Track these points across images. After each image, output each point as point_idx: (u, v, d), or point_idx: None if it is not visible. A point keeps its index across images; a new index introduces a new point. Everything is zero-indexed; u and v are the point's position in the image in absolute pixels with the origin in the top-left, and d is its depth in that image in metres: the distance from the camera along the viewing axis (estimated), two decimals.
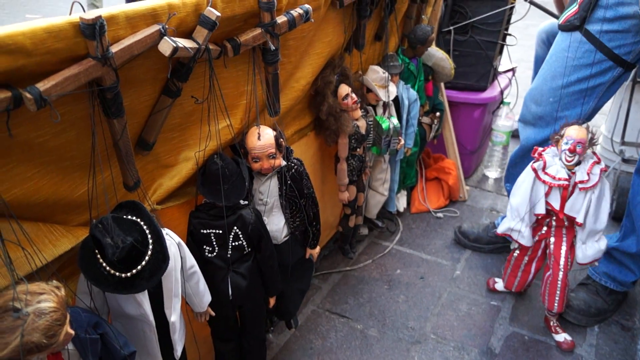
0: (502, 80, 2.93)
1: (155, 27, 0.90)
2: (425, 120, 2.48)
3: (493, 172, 3.09)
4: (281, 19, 1.22)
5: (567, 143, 1.60)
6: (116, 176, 1.04)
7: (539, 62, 2.86)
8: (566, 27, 1.78)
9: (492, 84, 2.84)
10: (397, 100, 2.12)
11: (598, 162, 1.64)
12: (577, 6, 1.73)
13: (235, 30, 1.15)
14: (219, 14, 0.99)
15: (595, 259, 1.75)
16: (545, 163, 1.68)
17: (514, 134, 3.20)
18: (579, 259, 1.76)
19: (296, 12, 1.26)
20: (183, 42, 0.94)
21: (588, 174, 1.62)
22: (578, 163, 1.64)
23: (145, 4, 0.90)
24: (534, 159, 1.72)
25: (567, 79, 1.80)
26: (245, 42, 1.15)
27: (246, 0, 1.11)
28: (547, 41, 2.80)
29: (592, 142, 1.63)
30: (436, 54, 2.32)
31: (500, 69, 3.02)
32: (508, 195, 2.16)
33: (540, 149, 1.73)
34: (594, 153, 1.67)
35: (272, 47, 1.23)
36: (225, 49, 1.12)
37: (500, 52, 2.87)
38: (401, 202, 2.60)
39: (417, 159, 2.59)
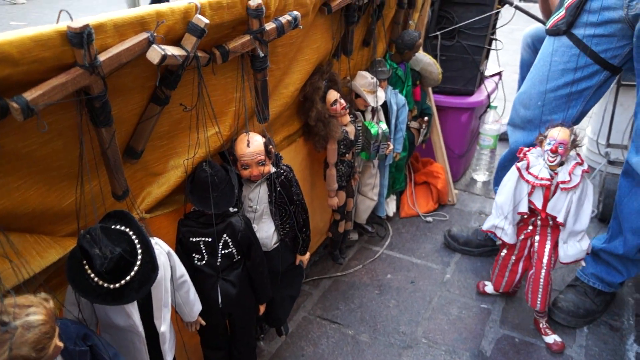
0: (489, 84, 2.95)
1: (143, 35, 0.89)
2: (414, 124, 2.49)
3: (481, 176, 3.11)
4: (270, 25, 1.22)
5: (549, 144, 1.62)
6: (104, 185, 1.03)
7: (524, 66, 2.89)
8: (553, 32, 1.81)
9: (479, 88, 2.86)
10: (385, 106, 2.13)
11: (580, 164, 1.67)
12: (564, 11, 1.75)
13: (224, 38, 1.15)
14: (207, 21, 0.99)
15: (578, 258, 1.77)
16: (529, 163, 1.70)
17: (502, 137, 3.22)
18: (561, 258, 1.78)
19: (285, 18, 1.26)
20: (171, 50, 0.94)
21: (570, 174, 1.65)
22: (561, 164, 1.66)
23: (134, 11, 0.90)
24: (519, 159, 1.74)
25: (555, 82, 1.82)
26: (234, 49, 1.14)
27: (235, 8, 1.10)
28: (532, 45, 2.83)
29: (574, 143, 1.65)
30: (424, 59, 2.34)
31: (487, 73, 3.04)
32: None
33: (526, 149, 1.75)
34: (578, 155, 1.70)
35: (261, 54, 1.23)
36: (214, 56, 1.11)
37: (487, 57, 2.89)
38: (390, 207, 2.60)
39: (405, 163, 2.59)
